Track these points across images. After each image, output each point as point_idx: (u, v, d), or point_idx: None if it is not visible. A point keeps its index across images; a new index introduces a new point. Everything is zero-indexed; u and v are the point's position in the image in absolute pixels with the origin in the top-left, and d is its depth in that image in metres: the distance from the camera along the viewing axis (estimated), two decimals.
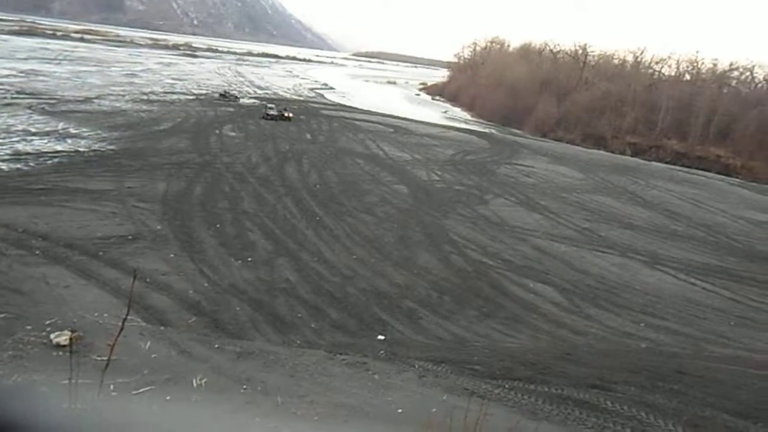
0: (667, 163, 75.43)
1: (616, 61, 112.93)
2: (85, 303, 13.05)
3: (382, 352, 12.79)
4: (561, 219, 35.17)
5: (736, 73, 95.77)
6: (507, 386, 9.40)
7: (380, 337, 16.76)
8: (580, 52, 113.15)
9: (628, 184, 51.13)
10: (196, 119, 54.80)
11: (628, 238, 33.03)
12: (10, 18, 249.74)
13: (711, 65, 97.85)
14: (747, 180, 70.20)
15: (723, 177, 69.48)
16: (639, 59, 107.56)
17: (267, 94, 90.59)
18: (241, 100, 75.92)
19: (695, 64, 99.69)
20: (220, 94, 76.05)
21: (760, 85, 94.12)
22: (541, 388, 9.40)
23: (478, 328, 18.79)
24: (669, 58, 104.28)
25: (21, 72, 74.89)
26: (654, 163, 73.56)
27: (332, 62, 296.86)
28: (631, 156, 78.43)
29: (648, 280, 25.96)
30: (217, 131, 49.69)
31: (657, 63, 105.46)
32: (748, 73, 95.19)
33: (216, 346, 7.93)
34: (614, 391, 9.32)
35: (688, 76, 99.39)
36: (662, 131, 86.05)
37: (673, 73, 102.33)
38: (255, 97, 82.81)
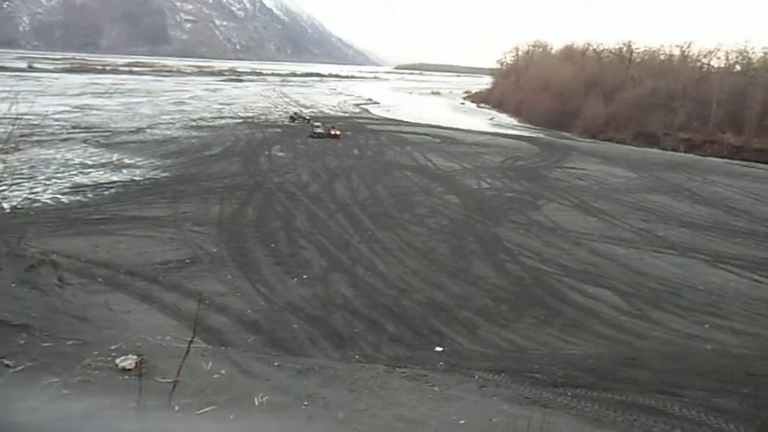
0: (723, 157, 72.95)
1: (662, 57, 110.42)
2: (147, 327, 13.34)
3: (441, 363, 12.70)
4: (616, 221, 34.44)
5: None
6: (569, 394, 9.20)
7: (438, 348, 16.65)
8: (625, 49, 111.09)
9: (683, 181, 49.77)
10: (246, 142, 55.84)
11: (688, 236, 32.09)
12: (62, 56, 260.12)
13: (762, 54, 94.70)
14: None
15: None
16: (686, 53, 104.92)
17: (313, 112, 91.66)
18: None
19: (745, 54, 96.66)
20: (290, 117, 74.74)
21: None
22: (605, 394, 9.17)
23: (536, 335, 18.49)
24: (717, 49, 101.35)
25: (75, 107, 77.73)
26: (709, 158, 71.35)
27: (375, 77, 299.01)
28: (685, 152, 76.27)
29: (711, 280, 25.13)
30: (267, 152, 50.53)
31: (705, 56, 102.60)
32: None
33: (276, 364, 8.00)
34: (681, 396, 9.03)
35: (738, 67, 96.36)
36: (716, 125, 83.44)
37: (722, 65, 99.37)
38: (302, 117, 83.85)
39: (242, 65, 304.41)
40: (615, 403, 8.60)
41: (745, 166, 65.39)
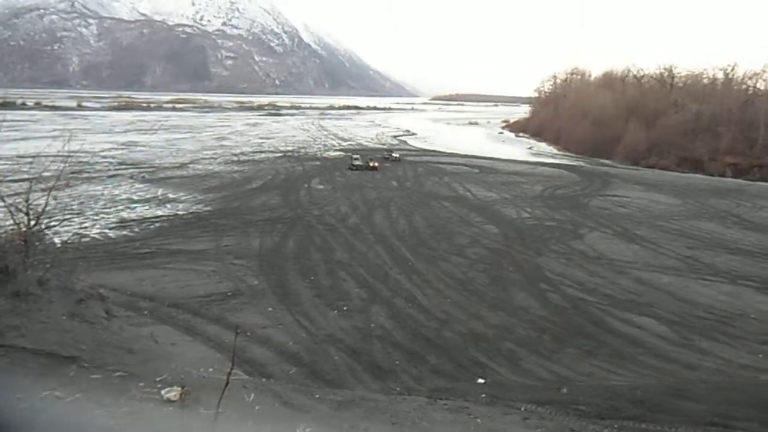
0: None
1: (705, 80, 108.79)
2: (191, 359, 13.51)
3: (483, 395, 12.55)
4: (661, 248, 33.75)
5: None
6: (616, 426, 9.00)
7: (480, 380, 16.45)
8: (666, 74, 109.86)
9: (731, 207, 48.63)
10: (285, 176, 56.62)
11: (737, 264, 31.24)
12: (108, 95, 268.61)
13: None
14: None
15: None
16: (730, 76, 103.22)
17: (351, 145, 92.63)
18: (328, 153, 78.00)
19: None
20: (384, 157, 69.96)
21: None
22: (653, 427, 8.94)
23: (580, 366, 18.14)
24: (763, 71, 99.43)
25: (121, 144, 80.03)
26: (759, 183, 69.63)
27: (412, 108, 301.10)
28: (732, 177, 74.60)
29: (764, 308, 24.33)
30: (306, 185, 51.13)
31: (750, 78, 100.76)
32: None
33: (317, 395, 8.02)
34: (734, 428, 8.75)
35: None
36: (764, 149, 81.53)
37: None
38: (339, 149, 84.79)
39: (281, 100, 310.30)
40: None
41: None
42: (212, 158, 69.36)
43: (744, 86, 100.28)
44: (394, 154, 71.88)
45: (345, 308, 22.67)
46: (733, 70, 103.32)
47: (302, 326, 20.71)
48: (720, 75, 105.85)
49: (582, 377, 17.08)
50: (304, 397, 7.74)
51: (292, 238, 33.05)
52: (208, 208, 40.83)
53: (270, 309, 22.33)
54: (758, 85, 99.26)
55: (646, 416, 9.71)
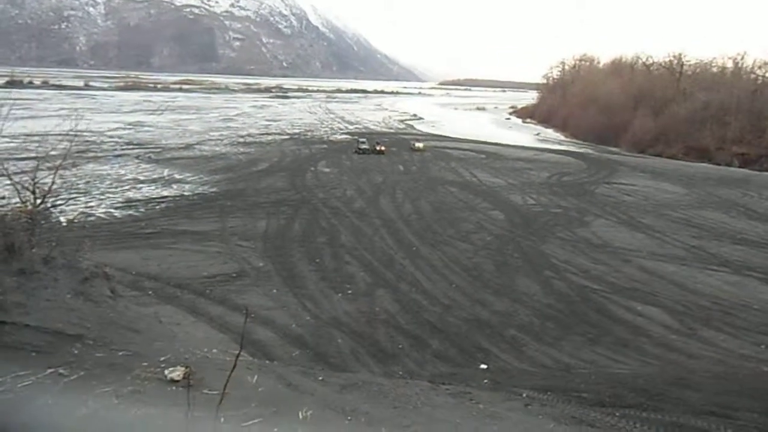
0: None
1: (714, 69, 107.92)
2: (195, 339, 13.57)
3: (485, 381, 12.59)
4: (666, 237, 33.66)
5: None
6: (618, 414, 9.00)
7: (483, 366, 16.49)
8: (675, 62, 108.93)
9: (738, 197, 48.39)
10: (292, 158, 56.59)
11: (742, 254, 31.14)
12: (116, 75, 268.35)
13: None
14: None
15: None
16: (740, 65, 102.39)
17: (358, 128, 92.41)
18: (335, 136, 77.78)
19: None
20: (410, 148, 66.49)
21: None
22: (654, 415, 8.94)
23: (583, 354, 18.16)
24: None
25: (128, 124, 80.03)
26: (766, 173, 69.25)
27: (420, 93, 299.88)
28: (740, 167, 74.16)
29: (767, 299, 24.31)
30: (313, 168, 51.09)
31: (760, 67, 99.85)
32: None
33: (320, 378, 8.05)
34: (734, 418, 8.74)
35: None
36: None
37: None
38: (346, 133, 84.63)
39: (288, 82, 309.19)
40: (665, 425, 8.38)
41: None
42: (219, 139, 69.31)
43: (753, 75, 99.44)
44: (418, 144, 67.64)
45: (349, 292, 22.72)
46: (743, 59, 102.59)
47: (306, 309, 20.78)
48: (729, 64, 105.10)
49: (585, 365, 17.10)
50: (307, 379, 7.77)
51: (297, 221, 33.08)
52: (214, 190, 40.85)
53: (275, 291, 22.40)
54: (767, 75, 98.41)
55: (647, 404, 9.72)
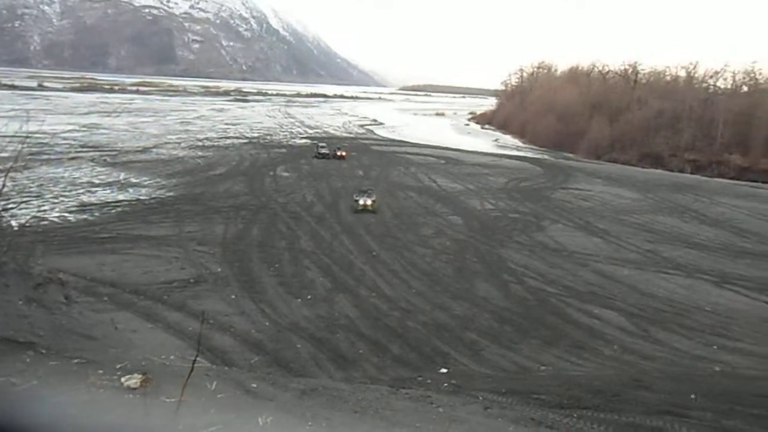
0: (730, 178, 72.85)
1: (667, 78, 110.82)
2: (152, 346, 13.36)
3: (445, 385, 12.65)
4: (622, 242, 34.36)
5: None
6: (575, 415, 9.14)
7: (443, 370, 16.57)
8: (630, 71, 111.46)
9: (690, 202, 49.68)
10: (251, 162, 56.13)
11: (695, 258, 31.97)
12: (71, 75, 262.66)
13: None
14: None
15: None
16: (692, 74, 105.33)
17: (318, 133, 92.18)
18: (294, 141, 77.38)
19: (752, 75, 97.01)
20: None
21: None
22: (611, 416, 9.11)
23: (541, 357, 18.38)
24: (724, 70, 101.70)
25: (83, 126, 78.24)
26: (716, 179, 71.26)
27: (380, 98, 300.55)
28: (691, 173, 76.22)
29: (718, 301, 24.98)
30: (272, 173, 50.76)
31: (711, 77, 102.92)
32: None
33: (279, 384, 7.99)
34: (688, 417, 8.96)
35: (745, 88, 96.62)
36: (722, 146, 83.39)
37: (729, 86, 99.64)
38: (306, 137, 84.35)
39: (248, 85, 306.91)
40: (621, 425, 8.55)
41: (753, 186, 65.21)
42: (176, 143, 68.35)
43: (704, 84, 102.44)
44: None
45: (309, 297, 22.60)
46: (694, 68, 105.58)
47: (265, 314, 20.59)
48: (682, 73, 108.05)
49: (543, 367, 17.32)
50: (266, 385, 7.69)
51: (256, 226, 32.80)
52: (172, 194, 40.25)
53: (233, 297, 22.15)
54: (719, 84, 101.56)
55: (604, 406, 9.89)
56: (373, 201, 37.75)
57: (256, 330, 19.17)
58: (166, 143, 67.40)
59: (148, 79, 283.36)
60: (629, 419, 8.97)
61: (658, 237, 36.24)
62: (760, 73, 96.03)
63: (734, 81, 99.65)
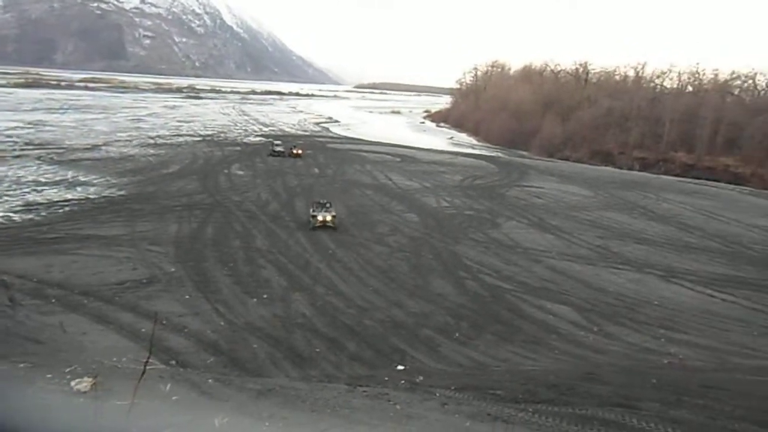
0: (676, 175, 75.09)
1: (617, 78, 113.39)
2: (103, 348, 13.07)
3: (402, 382, 12.67)
4: (574, 238, 35.00)
5: (738, 82, 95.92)
6: (531, 410, 9.25)
7: (400, 367, 16.61)
8: (581, 70, 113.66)
9: (638, 199, 50.91)
10: (204, 160, 55.34)
11: (643, 253, 32.78)
12: (15, 71, 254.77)
13: (713, 75, 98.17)
14: (758, 188, 69.67)
15: (734, 186, 68.97)
16: (640, 74, 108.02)
17: (273, 131, 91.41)
18: (249, 139, 76.56)
19: (696, 76, 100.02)
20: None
21: (763, 92, 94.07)
22: (565, 409, 9.25)
23: (497, 352, 18.60)
24: (670, 71, 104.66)
25: (28, 123, 76.10)
26: (663, 176, 73.26)
27: (335, 96, 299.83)
28: (639, 171, 78.23)
29: (666, 295, 25.69)
30: (226, 171, 50.14)
31: (658, 77, 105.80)
32: (750, 81, 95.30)
33: (236, 385, 7.89)
34: (639, 409, 9.16)
35: (690, 88, 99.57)
36: (669, 144, 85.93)
37: (675, 86, 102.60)
38: (261, 135, 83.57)
39: (201, 82, 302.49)
40: (575, 418, 8.69)
41: (697, 183, 67.34)
42: (127, 140, 66.91)
43: (652, 84, 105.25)
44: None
45: (265, 296, 22.40)
46: (642, 68, 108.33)
47: (221, 314, 20.33)
48: (631, 73, 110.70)
49: (499, 363, 17.52)
50: (222, 386, 7.59)
51: (210, 225, 32.35)
52: (122, 193, 39.39)
53: (187, 297, 21.80)
54: (665, 84, 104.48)
55: (559, 399, 10.05)
56: (333, 216, 33.09)
57: (212, 330, 18.91)
58: (116, 141, 65.91)
59: (97, 75, 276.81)
60: (583, 412, 9.13)
61: (608, 233, 37.03)
62: (704, 74, 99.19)
63: (680, 81, 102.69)
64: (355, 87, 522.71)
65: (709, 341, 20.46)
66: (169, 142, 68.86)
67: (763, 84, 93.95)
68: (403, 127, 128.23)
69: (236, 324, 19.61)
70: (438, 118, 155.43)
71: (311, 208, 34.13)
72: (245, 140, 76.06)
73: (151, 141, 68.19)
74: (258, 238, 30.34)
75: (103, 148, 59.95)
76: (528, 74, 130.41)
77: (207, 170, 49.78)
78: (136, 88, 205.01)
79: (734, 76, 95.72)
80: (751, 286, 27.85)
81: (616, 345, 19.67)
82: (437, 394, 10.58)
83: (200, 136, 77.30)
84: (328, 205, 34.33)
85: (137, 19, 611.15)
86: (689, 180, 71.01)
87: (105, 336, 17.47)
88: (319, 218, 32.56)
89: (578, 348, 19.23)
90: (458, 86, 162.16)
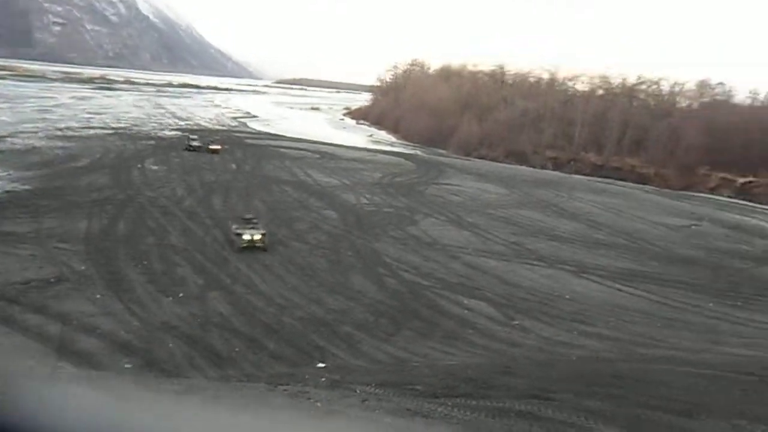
0: (586, 175, 78.30)
1: (532, 79, 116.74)
2: (7, 351, 12.42)
3: (323, 379, 12.68)
4: (490, 235, 35.86)
5: (644, 86, 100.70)
6: (449, 404, 9.46)
7: (320, 364, 16.60)
8: (498, 71, 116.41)
9: (551, 197, 52.67)
10: (116, 154, 53.38)
11: (555, 249, 33.96)
12: None
13: (621, 80, 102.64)
14: (661, 187, 73.74)
15: (639, 186, 72.69)
16: (554, 77, 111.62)
17: (189, 125, 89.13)
18: (164, 132, 74.42)
19: (606, 80, 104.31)
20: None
21: (666, 97, 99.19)
22: (483, 402, 9.51)
23: (416, 348, 18.86)
24: (582, 74, 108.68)
25: None
26: (574, 175, 76.20)
27: (254, 90, 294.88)
28: (552, 170, 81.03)
29: (577, 289, 26.73)
30: (139, 165, 48.51)
31: (571, 79, 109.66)
32: (655, 86, 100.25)
33: (153, 386, 7.71)
34: (553, 400, 9.53)
35: (600, 92, 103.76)
36: (580, 145, 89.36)
37: (586, 89, 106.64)
38: (177, 129, 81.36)
39: (115, 73, 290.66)
40: (493, 411, 8.95)
41: (605, 183, 70.51)
42: (33, 132, 63.56)
43: (565, 86, 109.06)
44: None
45: (181, 294, 21.87)
46: (556, 71, 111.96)
47: (134, 314, 19.70)
48: (545, 75, 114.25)
49: (418, 358, 17.77)
50: (138, 388, 7.40)
51: (122, 221, 31.25)
52: (27, 187, 37.45)
53: (98, 296, 21.00)
54: (577, 87, 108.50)
55: (476, 393, 10.32)
56: (263, 235, 28.47)
57: (125, 331, 18.30)
58: (20, 132, 62.53)
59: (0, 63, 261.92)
60: (500, 404, 9.41)
61: (522, 230, 38.16)
62: (613, 78, 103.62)
63: (591, 84, 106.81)
64: (275, 82, 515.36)
65: (617, 333, 21.44)
66: (78, 134, 65.95)
67: (667, 89, 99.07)
68: (323, 124, 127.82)
69: (151, 324, 19.06)
70: (358, 115, 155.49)
71: (234, 225, 29.66)
72: (160, 134, 73.81)
73: (60, 133, 65.09)
74: (173, 235, 29.56)
75: (8, 139, 56.75)
76: (447, 74, 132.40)
77: (119, 164, 48.02)
78: (43, 77, 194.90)
79: (640, 81, 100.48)
80: (654, 280, 29.37)
81: (531, 338, 20.32)
82: (358, 391, 10.66)
83: (112, 128, 74.42)
84: (254, 220, 30.16)
85: (46, 5, 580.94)
86: (598, 179, 74.22)
87: (10, 339, 16.61)
88: (246, 237, 28.04)
89: (495, 342, 19.76)
90: (378, 84, 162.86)
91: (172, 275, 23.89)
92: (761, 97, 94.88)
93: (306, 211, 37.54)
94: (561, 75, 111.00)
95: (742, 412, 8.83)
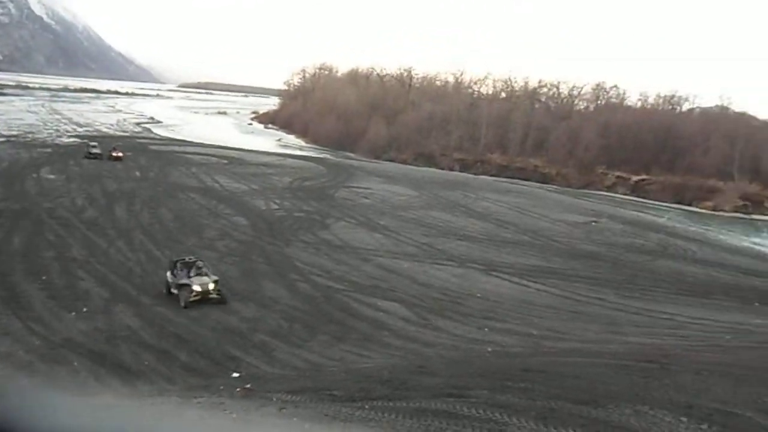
0: (492, 175, 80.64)
1: (438, 83, 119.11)
2: None
3: (238, 389, 12.49)
4: (401, 236, 36.28)
5: (545, 90, 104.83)
6: (367, 407, 9.52)
7: (235, 374, 16.30)
8: (405, 75, 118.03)
9: (459, 198, 53.80)
10: (9, 163, 50.52)
11: (465, 249, 34.73)
12: None
13: (523, 83, 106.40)
14: (562, 186, 77.04)
15: (541, 185, 75.59)
16: (459, 80, 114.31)
17: (89, 131, 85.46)
18: (61, 140, 71.02)
19: (509, 83, 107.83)
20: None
21: (565, 99, 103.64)
22: (400, 404, 9.62)
23: (331, 352, 18.84)
24: (486, 78, 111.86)
25: None
26: (481, 176, 78.27)
27: (158, 95, 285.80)
28: (460, 171, 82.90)
29: (487, 287, 27.44)
30: (35, 175, 46.08)
31: (476, 83, 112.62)
32: (555, 90, 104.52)
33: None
34: (468, 397, 9.74)
35: (504, 94, 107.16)
36: (485, 146, 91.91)
37: (490, 92, 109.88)
38: (75, 136, 77.86)
39: (5, 77, 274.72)
40: (410, 411, 9.06)
41: (510, 183, 72.88)
42: None
43: (470, 90, 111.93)
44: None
45: (84, 309, 20.94)
46: (461, 75, 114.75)
47: (34, 332, 18.70)
48: (451, 79, 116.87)
49: (334, 363, 17.75)
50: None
51: (17, 234, 29.59)
52: None
53: None
54: (482, 90, 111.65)
55: (393, 395, 10.40)
56: (216, 282, 22.43)
57: (24, 350, 17.36)
58: None
59: None
60: (416, 405, 9.54)
61: (432, 231, 38.83)
62: (516, 82, 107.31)
63: (495, 88, 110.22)
64: (179, 86, 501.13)
65: (526, 328, 22.12)
66: None
67: (566, 92, 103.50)
68: (230, 129, 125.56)
69: (53, 341, 18.17)
70: (266, 119, 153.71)
71: (172, 271, 23.04)
72: (57, 141, 70.42)
73: None
74: (74, 248, 28.28)
75: None
76: (354, 78, 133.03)
77: (12, 174, 45.45)
78: None
79: (541, 84, 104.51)
80: (559, 276, 30.57)
81: (444, 337, 20.68)
82: (274, 399, 10.57)
83: (3, 136, 70.28)
84: (199, 264, 23.18)
85: None
86: (504, 179, 76.59)
87: None
88: (196, 288, 21.73)
89: (409, 342, 19.99)
90: (286, 88, 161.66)
91: (75, 289, 22.86)
92: (651, 99, 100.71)
93: (215, 219, 36.80)
94: (466, 78, 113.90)
95: (644, 398, 9.32)
